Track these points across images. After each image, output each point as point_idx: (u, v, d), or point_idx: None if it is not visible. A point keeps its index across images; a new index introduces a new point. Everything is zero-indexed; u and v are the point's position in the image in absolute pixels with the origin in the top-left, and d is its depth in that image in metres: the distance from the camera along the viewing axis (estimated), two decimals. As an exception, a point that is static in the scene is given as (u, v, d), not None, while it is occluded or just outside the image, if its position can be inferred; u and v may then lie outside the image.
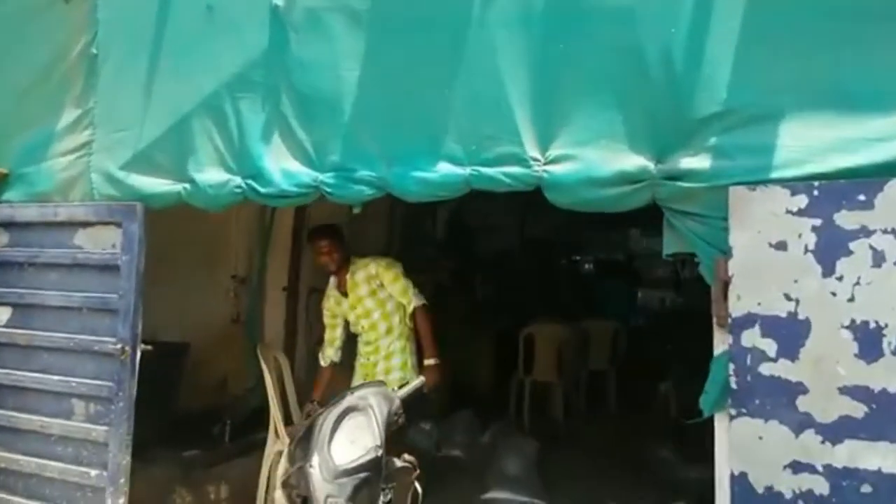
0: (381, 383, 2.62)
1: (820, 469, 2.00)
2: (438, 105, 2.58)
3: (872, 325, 1.95)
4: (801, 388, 2.04)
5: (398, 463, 2.39)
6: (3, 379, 3.38)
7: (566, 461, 4.72)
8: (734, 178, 2.13)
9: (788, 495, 2.04)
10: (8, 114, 3.51)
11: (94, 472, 3.12)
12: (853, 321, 1.98)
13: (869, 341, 1.96)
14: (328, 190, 2.75)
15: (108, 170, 3.20)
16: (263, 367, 3.73)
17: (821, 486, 2.00)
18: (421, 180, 2.59)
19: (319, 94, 2.77)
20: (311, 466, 2.20)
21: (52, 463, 3.22)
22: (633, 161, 2.29)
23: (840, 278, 1.99)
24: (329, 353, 3.83)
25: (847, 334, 1.98)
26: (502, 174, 2.47)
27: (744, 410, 2.11)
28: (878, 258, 1.95)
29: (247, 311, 5.14)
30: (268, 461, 3.69)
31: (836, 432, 1.99)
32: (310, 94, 2.80)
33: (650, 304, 9.46)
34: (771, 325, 2.08)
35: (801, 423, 2.03)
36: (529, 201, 3.39)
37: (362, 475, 2.20)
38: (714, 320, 2.25)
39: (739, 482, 2.12)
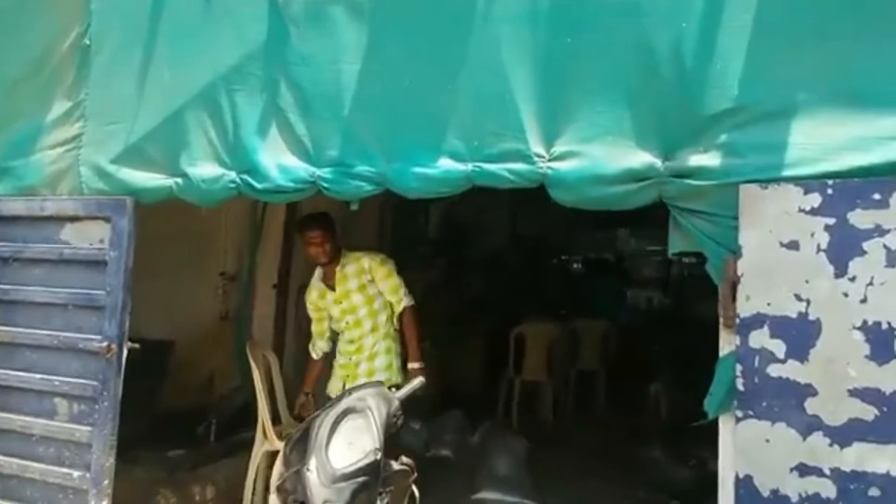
0: (380, 384, 2.54)
1: (827, 472, 1.99)
2: (440, 100, 2.52)
3: (885, 326, 1.94)
4: (809, 390, 2.02)
5: (395, 466, 2.32)
6: (-16, 377, 3.30)
7: (556, 461, 4.69)
8: (745, 176, 2.11)
9: (795, 499, 2.03)
10: (-3, 105, 3.41)
11: (76, 474, 3.06)
12: (865, 322, 1.96)
13: (881, 343, 1.94)
14: (326, 185, 2.69)
15: (98, 163, 3.12)
16: (252, 365, 3.66)
17: (828, 490, 1.99)
18: (421, 176, 2.54)
19: (319, 87, 2.71)
20: (308, 470, 2.12)
21: (34, 464, 3.15)
22: (640, 158, 2.26)
23: (853, 279, 1.98)
24: (320, 345, 3.73)
25: (859, 335, 1.97)
26: (505, 171, 2.42)
27: (750, 412, 2.10)
28: (893, 258, 1.94)
29: (235, 309, 5.06)
30: (255, 462, 3.62)
31: (844, 435, 1.97)
32: (309, 87, 2.73)
33: (639, 303, 9.50)
34: (780, 326, 2.06)
35: (810, 426, 2.02)
36: (521, 200, 3.35)
37: (361, 479, 2.12)
38: (721, 321, 2.22)
39: (745, 485, 2.10)
